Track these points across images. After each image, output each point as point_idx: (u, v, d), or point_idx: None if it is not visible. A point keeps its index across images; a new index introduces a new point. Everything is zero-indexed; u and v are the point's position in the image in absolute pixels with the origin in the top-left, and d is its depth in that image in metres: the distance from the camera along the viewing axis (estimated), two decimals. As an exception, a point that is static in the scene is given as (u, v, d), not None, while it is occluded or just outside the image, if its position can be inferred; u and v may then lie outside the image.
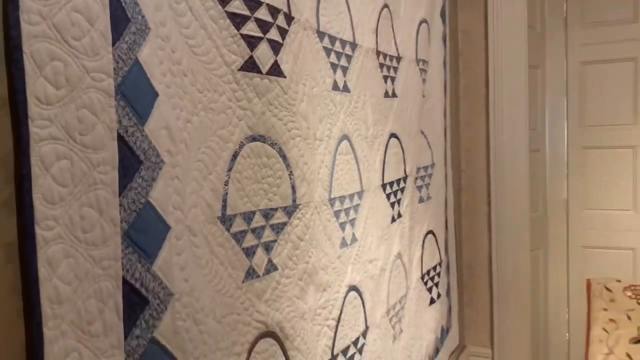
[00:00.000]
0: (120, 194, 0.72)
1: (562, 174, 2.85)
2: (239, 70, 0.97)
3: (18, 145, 0.61)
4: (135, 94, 0.74)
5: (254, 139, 1.02)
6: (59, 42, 0.64)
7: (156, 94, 0.78)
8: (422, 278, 1.98)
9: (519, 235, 2.52)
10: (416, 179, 1.93)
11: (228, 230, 0.95)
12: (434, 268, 2.12)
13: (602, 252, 2.77)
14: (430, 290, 2.06)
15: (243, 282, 0.99)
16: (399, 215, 1.76)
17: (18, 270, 0.62)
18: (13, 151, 0.61)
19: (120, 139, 0.72)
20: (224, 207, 0.94)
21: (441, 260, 2.22)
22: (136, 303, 0.75)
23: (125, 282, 0.73)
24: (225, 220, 0.95)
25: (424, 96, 2.01)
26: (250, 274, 1.01)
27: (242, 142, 0.99)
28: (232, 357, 0.95)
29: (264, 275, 1.05)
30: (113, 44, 0.71)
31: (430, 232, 2.08)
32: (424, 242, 2.01)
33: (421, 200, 1.99)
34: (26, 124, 0.61)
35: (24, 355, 0.63)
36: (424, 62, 2.00)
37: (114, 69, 0.71)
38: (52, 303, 0.64)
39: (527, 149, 2.49)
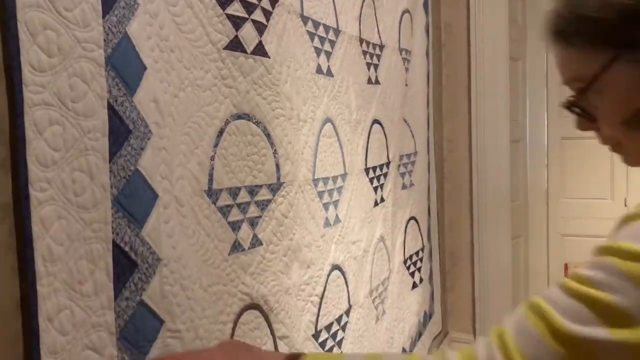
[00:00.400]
0: (110, 161, 0.75)
1: (542, 164, 2.92)
2: (224, 49, 1.00)
3: (13, 109, 0.64)
4: (124, 65, 0.77)
5: (239, 116, 1.05)
6: (51, 12, 0.67)
7: (144, 67, 0.81)
8: (405, 262, 2.03)
9: (500, 223, 2.58)
10: (399, 165, 1.98)
11: (214, 203, 0.99)
12: (417, 253, 2.17)
13: (580, 239, 2.84)
14: (412, 274, 2.11)
15: (229, 254, 1.02)
16: (382, 200, 1.81)
17: (13, 229, 0.66)
18: (8, 115, 0.65)
19: (110, 107, 0.75)
20: (210, 181, 0.98)
21: (423, 246, 2.27)
22: (125, 266, 0.78)
23: (115, 245, 0.76)
24: (212, 194, 0.98)
25: (406, 85, 2.05)
26: (236, 247, 1.04)
27: (227, 119, 1.02)
28: (219, 325, 0.99)
29: (249, 249, 1.08)
30: (103, 16, 0.74)
31: (412, 218, 2.13)
32: (406, 227, 2.05)
33: (404, 186, 2.03)
34: (20, 89, 0.64)
35: (19, 310, 0.66)
36: (407, 51, 2.05)
37: (104, 40, 0.74)
38: (45, 261, 0.67)
39: (508, 139, 2.55)
